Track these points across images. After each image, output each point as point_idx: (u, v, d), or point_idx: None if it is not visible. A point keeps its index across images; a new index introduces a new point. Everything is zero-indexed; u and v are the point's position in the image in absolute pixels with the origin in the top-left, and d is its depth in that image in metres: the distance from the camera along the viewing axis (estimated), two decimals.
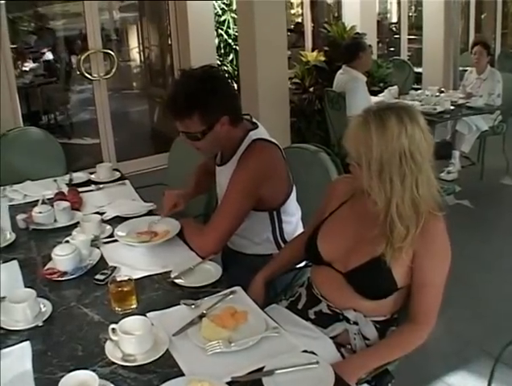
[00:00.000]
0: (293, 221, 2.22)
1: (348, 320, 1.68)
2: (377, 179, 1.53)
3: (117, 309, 1.65)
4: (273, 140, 2.12)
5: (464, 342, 2.83)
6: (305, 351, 1.44)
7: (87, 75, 5.39)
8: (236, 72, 6.41)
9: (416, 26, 8.74)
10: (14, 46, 5.93)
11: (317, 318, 1.74)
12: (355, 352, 1.67)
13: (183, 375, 1.36)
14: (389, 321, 1.70)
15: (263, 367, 1.36)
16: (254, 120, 2.17)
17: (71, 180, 2.84)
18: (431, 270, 1.59)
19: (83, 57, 5.33)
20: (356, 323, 1.67)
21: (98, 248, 2.04)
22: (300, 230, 2.23)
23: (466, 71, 5.80)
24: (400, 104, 1.64)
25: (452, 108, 4.98)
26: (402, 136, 1.51)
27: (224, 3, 6.67)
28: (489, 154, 5.32)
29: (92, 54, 5.39)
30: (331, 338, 1.69)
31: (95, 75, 5.43)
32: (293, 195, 2.20)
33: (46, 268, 1.89)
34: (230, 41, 6.68)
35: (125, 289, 1.65)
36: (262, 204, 2.08)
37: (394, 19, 10.19)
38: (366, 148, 1.51)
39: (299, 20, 7.68)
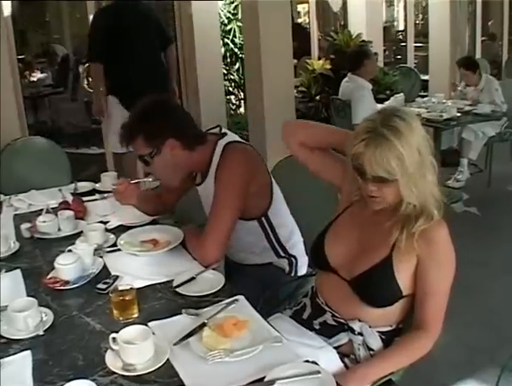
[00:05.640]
0: (286, 223, 2.21)
1: (352, 330, 1.66)
2: (412, 184, 1.51)
3: (118, 318, 1.64)
4: (244, 141, 2.14)
5: (473, 352, 2.80)
6: (307, 361, 1.42)
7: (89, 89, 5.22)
8: (242, 81, 6.42)
9: (423, 34, 8.72)
10: (22, 56, 5.98)
11: (322, 329, 1.72)
12: (359, 363, 1.65)
13: (183, 384, 1.34)
14: (394, 331, 1.68)
15: (264, 377, 1.34)
16: (224, 130, 2.15)
17: (75, 189, 2.85)
18: (436, 278, 1.57)
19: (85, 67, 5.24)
20: (360, 334, 1.65)
21: (101, 257, 2.04)
22: (297, 233, 2.23)
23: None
24: (387, 108, 1.63)
25: (458, 115, 4.96)
26: (414, 133, 1.51)
27: (230, 12, 6.69)
28: (496, 161, 5.28)
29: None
30: (335, 348, 1.67)
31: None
32: (279, 196, 2.18)
33: (48, 277, 1.89)
34: (236, 50, 6.70)
35: (127, 297, 1.65)
36: (249, 208, 2.06)
37: (401, 27, 10.19)
38: (398, 161, 1.47)
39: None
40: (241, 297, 1.72)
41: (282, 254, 2.19)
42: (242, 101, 6.97)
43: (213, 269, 1.91)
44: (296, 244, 2.22)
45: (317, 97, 6.04)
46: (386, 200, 1.57)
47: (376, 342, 1.66)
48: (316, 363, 1.42)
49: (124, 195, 2.32)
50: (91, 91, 4.94)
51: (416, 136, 1.51)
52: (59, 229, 2.31)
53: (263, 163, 2.15)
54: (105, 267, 1.97)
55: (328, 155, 1.83)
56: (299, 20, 8.57)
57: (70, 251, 1.96)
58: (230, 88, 6.93)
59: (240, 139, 2.14)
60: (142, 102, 2.03)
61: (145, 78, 4.01)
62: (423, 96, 5.97)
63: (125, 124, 2.03)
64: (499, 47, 9.24)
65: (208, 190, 2.07)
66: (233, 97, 7.06)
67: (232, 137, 2.12)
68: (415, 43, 8.39)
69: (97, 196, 2.76)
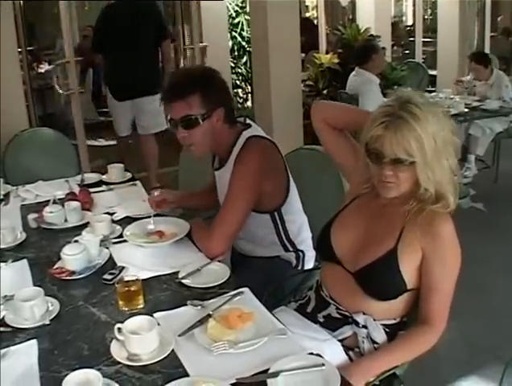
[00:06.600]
0: (297, 220, 2.20)
1: (357, 323, 1.66)
2: (429, 170, 1.51)
3: (124, 308, 1.65)
4: (267, 136, 2.12)
5: (478, 349, 2.79)
6: (311, 353, 1.42)
7: (59, 90, 4.94)
8: (250, 75, 6.43)
9: (432, 29, 8.68)
10: (31, 48, 5.98)
11: (326, 322, 1.73)
12: (363, 356, 1.66)
13: (187, 375, 1.35)
14: (398, 324, 1.68)
15: (268, 369, 1.35)
16: (248, 121, 2.16)
17: (82, 180, 2.86)
18: (441, 274, 1.57)
19: (53, 67, 5.00)
20: (365, 327, 1.65)
21: (107, 248, 2.04)
22: (306, 229, 2.22)
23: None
24: (402, 95, 1.61)
25: (465, 110, 4.94)
26: (429, 121, 1.51)
27: (238, 5, 6.68)
28: (504, 157, 5.26)
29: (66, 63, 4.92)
30: (339, 341, 1.68)
31: (72, 89, 4.93)
32: (294, 193, 2.18)
33: (55, 267, 1.90)
34: (244, 43, 6.70)
35: (133, 288, 1.65)
36: (263, 203, 2.07)
37: (410, 22, 10.13)
38: (417, 142, 1.48)
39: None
40: (246, 290, 1.72)
41: (290, 249, 2.19)
42: (249, 95, 6.97)
43: (219, 261, 1.92)
44: (305, 240, 2.22)
45: (324, 91, 6.02)
46: (400, 187, 1.56)
47: (380, 336, 1.66)
48: (321, 356, 1.42)
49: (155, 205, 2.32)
50: (60, 92, 4.95)
51: (431, 124, 1.51)
52: (65, 220, 2.32)
53: (281, 161, 2.13)
54: (111, 258, 1.98)
55: (344, 139, 1.86)
56: (307, 14, 8.56)
57: (76, 241, 1.97)
58: (237, 82, 6.93)
59: (263, 133, 2.12)
60: (193, 67, 2.02)
61: (133, 72, 4.17)
62: (431, 92, 5.96)
63: (180, 77, 2.03)
64: (509, 42, 9.17)
65: (224, 178, 2.08)
66: (240, 91, 7.06)
67: (256, 130, 2.12)
68: (424, 38, 8.34)
69: (103, 188, 2.77)
